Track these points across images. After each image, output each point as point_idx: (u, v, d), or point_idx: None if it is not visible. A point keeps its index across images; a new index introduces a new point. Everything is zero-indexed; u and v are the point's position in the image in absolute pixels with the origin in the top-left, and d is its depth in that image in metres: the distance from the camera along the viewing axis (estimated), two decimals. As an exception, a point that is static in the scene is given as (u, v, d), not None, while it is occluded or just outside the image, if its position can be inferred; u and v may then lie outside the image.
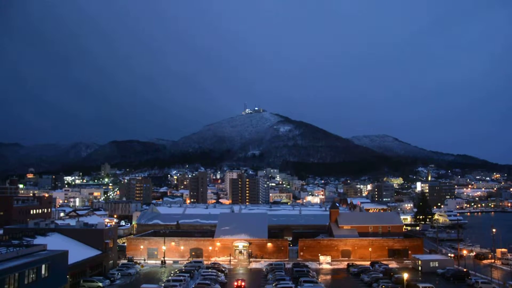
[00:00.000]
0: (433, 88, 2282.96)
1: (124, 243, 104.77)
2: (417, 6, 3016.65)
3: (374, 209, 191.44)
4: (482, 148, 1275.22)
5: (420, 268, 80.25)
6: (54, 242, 63.78)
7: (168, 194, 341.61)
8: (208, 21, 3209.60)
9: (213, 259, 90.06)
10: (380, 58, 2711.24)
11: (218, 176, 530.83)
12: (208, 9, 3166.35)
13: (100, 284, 64.96)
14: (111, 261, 79.59)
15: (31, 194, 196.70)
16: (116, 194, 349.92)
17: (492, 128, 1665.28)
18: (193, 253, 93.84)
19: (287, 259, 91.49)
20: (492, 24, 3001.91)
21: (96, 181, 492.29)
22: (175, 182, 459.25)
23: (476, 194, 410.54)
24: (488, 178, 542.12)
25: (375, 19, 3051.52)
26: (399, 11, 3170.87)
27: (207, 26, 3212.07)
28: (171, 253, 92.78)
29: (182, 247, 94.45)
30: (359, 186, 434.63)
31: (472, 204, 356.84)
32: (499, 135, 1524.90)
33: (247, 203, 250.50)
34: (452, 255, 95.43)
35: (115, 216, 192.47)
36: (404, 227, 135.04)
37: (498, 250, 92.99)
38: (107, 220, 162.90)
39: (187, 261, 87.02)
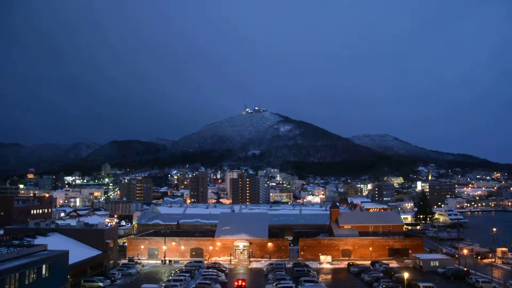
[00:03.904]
0: (433, 85, 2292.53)
1: (124, 243, 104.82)
2: (415, 2, 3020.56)
3: (374, 208, 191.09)
4: (482, 146, 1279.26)
5: (420, 267, 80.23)
6: (54, 242, 63.81)
7: (169, 194, 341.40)
8: (208, 20, 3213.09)
9: (213, 259, 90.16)
10: (379, 55, 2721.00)
11: (218, 176, 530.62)
12: (209, 9, 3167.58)
13: (101, 284, 64.97)
14: (111, 261, 79.65)
15: (32, 194, 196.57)
16: (116, 194, 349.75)
17: (492, 125, 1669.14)
18: (194, 253, 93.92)
19: (288, 259, 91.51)
20: (489, 20, 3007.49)
21: (96, 181, 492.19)
22: (176, 182, 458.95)
23: (476, 193, 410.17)
24: (488, 177, 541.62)
25: (373, 16, 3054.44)
26: (398, 8, 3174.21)
27: (207, 26, 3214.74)
28: (171, 253, 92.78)
29: (182, 247, 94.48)
30: (359, 185, 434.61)
31: (473, 203, 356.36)
32: (498, 132, 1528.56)
33: (247, 203, 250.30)
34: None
35: (115, 216, 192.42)
36: (405, 226, 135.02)
37: (499, 249, 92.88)
38: (107, 220, 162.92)
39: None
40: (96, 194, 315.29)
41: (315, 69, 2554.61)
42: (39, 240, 65.34)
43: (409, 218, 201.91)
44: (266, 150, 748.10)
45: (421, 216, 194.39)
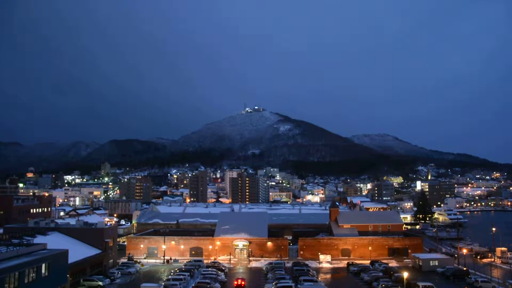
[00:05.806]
0: (432, 85, 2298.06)
1: (124, 242, 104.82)
2: (415, 2, 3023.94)
3: (374, 208, 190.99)
4: (482, 146, 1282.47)
5: (420, 267, 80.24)
6: (54, 241, 63.79)
7: (168, 193, 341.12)
8: (208, 19, 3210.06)
9: (212, 258, 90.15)
10: (378, 55, 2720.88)
11: (218, 175, 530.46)
12: (209, 8, 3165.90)
13: (100, 283, 64.96)
14: (111, 260, 79.63)
15: (31, 193, 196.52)
16: (116, 193, 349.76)
17: (492, 125, 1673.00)
18: (193, 252, 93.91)
19: (287, 258, 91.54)
20: (488, 19, 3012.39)
21: (96, 180, 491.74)
22: (175, 181, 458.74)
23: (476, 193, 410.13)
24: (488, 177, 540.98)
25: (372, 16, 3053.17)
26: (397, 7, 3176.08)
27: (207, 25, 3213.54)
28: (171, 252, 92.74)
29: (182, 246, 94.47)
30: (359, 185, 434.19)
31: (472, 203, 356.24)
32: (498, 132, 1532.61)
33: (247, 202, 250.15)
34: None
35: (115, 215, 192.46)
36: (404, 226, 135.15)
37: (498, 249, 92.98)
38: (107, 219, 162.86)
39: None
40: (95, 193, 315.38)
41: (315, 69, 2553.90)
42: (39, 239, 65.28)
43: (408, 218, 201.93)
44: (265, 150, 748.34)
45: (421, 216, 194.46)
